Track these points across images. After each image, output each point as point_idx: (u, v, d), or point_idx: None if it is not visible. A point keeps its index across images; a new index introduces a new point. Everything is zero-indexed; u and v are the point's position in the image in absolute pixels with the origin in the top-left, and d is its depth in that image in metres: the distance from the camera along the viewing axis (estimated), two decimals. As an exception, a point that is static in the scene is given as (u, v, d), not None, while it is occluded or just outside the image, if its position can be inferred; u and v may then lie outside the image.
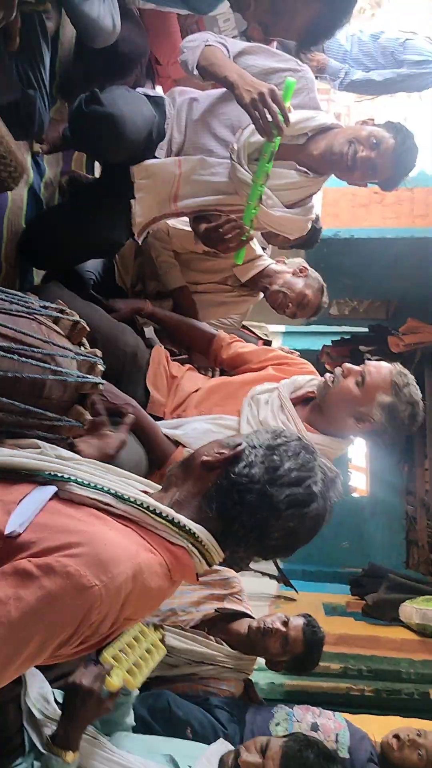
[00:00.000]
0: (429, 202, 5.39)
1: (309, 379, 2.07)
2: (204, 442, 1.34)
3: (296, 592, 5.76)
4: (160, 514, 1.16)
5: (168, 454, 1.83)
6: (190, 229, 2.41)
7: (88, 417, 1.45)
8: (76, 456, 1.31)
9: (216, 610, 2.45)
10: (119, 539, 1.08)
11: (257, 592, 5.59)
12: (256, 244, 2.63)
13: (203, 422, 1.90)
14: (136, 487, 1.22)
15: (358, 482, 10.62)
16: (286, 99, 1.80)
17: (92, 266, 2.40)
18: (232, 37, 2.39)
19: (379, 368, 1.94)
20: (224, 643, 2.43)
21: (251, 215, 1.99)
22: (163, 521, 1.16)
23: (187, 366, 2.27)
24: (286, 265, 2.77)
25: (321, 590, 6.54)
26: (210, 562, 1.22)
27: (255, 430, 1.35)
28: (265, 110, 1.74)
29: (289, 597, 5.79)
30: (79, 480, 1.16)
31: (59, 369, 1.36)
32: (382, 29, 4.00)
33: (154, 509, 1.16)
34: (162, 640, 1.89)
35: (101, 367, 1.48)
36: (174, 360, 2.28)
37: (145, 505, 1.16)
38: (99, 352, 1.51)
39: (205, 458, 1.24)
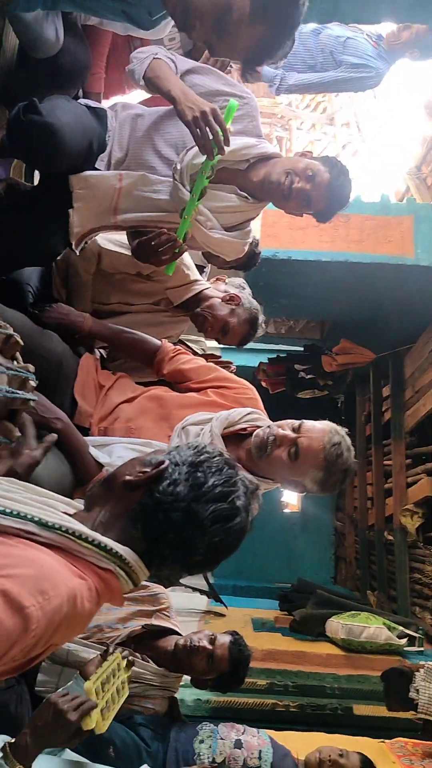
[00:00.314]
0: (363, 228, 5.56)
1: (245, 414, 2.03)
2: None
3: (226, 607, 5.76)
4: (86, 539, 1.14)
5: (92, 474, 1.80)
6: (121, 250, 2.39)
7: (17, 434, 1.42)
8: None
9: (143, 627, 2.43)
10: (53, 562, 1.07)
11: (187, 608, 5.56)
12: (191, 269, 2.59)
13: (131, 449, 1.86)
14: (57, 508, 1.20)
15: (290, 498, 10.75)
16: (227, 120, 1.84)
17: (29, 278, 2.36)
18: (176, 56, 2.41)
19: (312, 441, 1.90)
20: (150, 661, 2.40)
21: (185, 228, 2.00)
22: (89, 546, 1.14)
23: (119, 374, 2.25)
24: (226, 285, 2.78)
25: (251, 605, 6.56)
26: (135, 581, 1.21)
27: (176, 446, 1.34)
28: (207, 129, 1.78)
29: (219, 612, 5.78)
30: (0, 508, 1.12)
31: (-13, 383, 1.33)
32: (326, 25, 3.92)
33: (80, 534, 1.14)
34: (129, 680, 1.82)
35: (33, 383, 1.45)
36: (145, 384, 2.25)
37: (70, 531, 1.13)
38: (32, 367, 1.48)
39: (127, 478, 1.23)
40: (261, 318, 2.69)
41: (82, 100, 2.11)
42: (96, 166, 1.99)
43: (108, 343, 2.33)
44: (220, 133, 1.79)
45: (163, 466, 1.24)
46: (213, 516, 1.19)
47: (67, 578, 1.06)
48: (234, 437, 1.99)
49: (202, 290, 2.61)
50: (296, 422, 1.96)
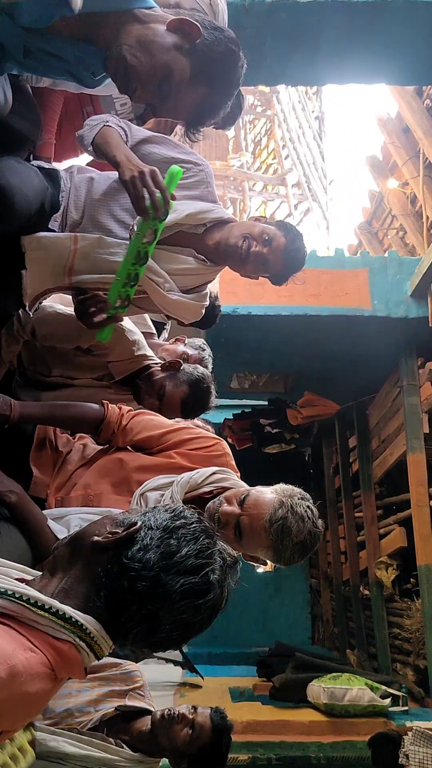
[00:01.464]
0: (320, 282, 5.66)
1: (209, 475, 1.90)
2: None
3: (202, 678, 5.53)
4: (42, 607, 1.04)
5: (51, 549, 1.68)
6: (56, 324, 2.27)
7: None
8: None
9: (116, 709, 2.26)
10: None
11: (161, 681, 5.33)
12: (139, 344, 2.40)
13: (87, 521, 1.74)
14: (10, 575, 1.10)
15: (262, 557, 10.55)
16: (170, 184, 1.82)
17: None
18: (129, 120, 2.43)
19: (252, 520, 1.74)
20: (124, 746, 2.23)
21: (116, 292, 1.92)
22: (46, 615, 1.03)
23: (78, 436, 2.14)
24: (185, 347, 2.70)
25: (227, 674, 6.33)
26: (98, 654, 1.10)
27: (153, 507, 1.24)
28: (144, 189, 1.75)
29: (195, 684, 5.55)
30: None
31: None
32: None
33: (35, 601, 1.04)
34: (31, 742, 1.65)
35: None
36: None
37: (24, 598, 1.03)
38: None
39: (95, 539, 1.14)
40: (207, 382, 2.43)
41: (34, 162, 2.09)
42: (50, 226, 1.95)
43: (44, 424, 2.10)
44: (158, 195, 1.76)
45: (134, 528, 1.14)
46: (183, 590, 1.09)
47: (8, 655, 0.95)
48: (199, 501, 1.86)
49: (148, 365, 2.40)
50: (243, 494, 1.81)
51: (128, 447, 2.06)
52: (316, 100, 14.12)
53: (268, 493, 1.80)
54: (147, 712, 2.34)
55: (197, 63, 1.63)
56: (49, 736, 2.08)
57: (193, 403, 2.37)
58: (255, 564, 1.94)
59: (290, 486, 1.86)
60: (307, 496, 1.83)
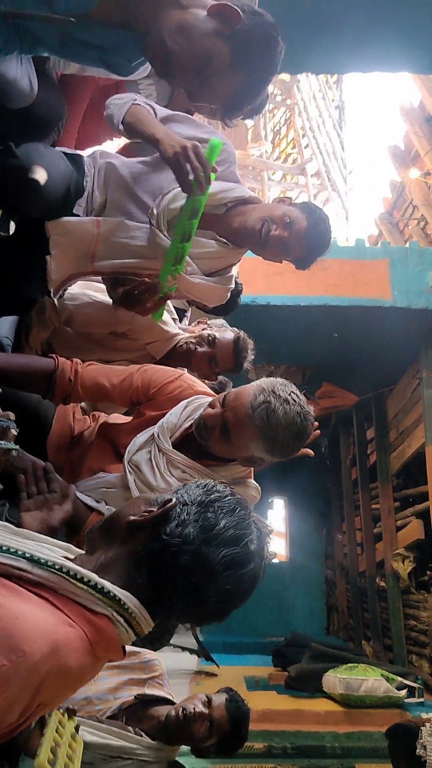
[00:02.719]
0: (341, 272, 5.61)
1: (181, 411, 1.85)
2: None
3: (218, 666, 5.55)
4: (81, 579, 1.05)
5: (83, 519, 1.69)
6: (93, 311, 2.29)
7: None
8: None
9: (135, 697, 2.27)
10: (34, 612, 0.97)
11: (177, 669, 5.36)
12: (167, 323, 2.45)
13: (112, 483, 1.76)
14: (55, 552, 1.11)
15: (278, 548, 10.57)
16: (210, 157, 1.81)
17: (7, 331, 2.27)
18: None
19: (236, 411, 1.69)
20: (143, 734, 2.24)
21: (167, 272, 1.93)
22: (85, 587, 1.05)
23: (94, 413, 2.14)
24: (209, 329, 2.73)
25: (243, 663, 6.35)
26: (138, 632, 1.11)
27: (184, 485, 1.25)
28: (187, 165, 1.73)
29: (210, 672, 5.57)
30: None
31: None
32: None
33: (75, 573, 1.05)
34: (77, 729, 1.68)
35: (14, 431, 1.39)
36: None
37: (64, 570, 1.05)
38: (12, 415, 1.43)
39: (131, 518, 1.15)
40: (242, 337, 2.52)
41: (58, 148, 2.09)
42: (74, 211, 1.95)
43: None
44: (201, 170, 1.73)
45: (170, 504, 1.15)
46: (225, 561, 1.11)
47: (50, 630, 0.96)
48: (188, 438, 1.83)
49: (180, 342, 2.46)
50: (224, 394, 1.77)
51: (106, 421, 2.05)
52: (336, 89, 13.97)
53: (248, 386, 1.76)
54: (166, 700, 2.35)
55: (236, 49, 1.61)
56: (69, 722, 2.10)
57: (243, 346, 2.45)
58: (253, 467, 1.89)
59: (272, 377, 1.81)
60: (291, 384, 1.77)
